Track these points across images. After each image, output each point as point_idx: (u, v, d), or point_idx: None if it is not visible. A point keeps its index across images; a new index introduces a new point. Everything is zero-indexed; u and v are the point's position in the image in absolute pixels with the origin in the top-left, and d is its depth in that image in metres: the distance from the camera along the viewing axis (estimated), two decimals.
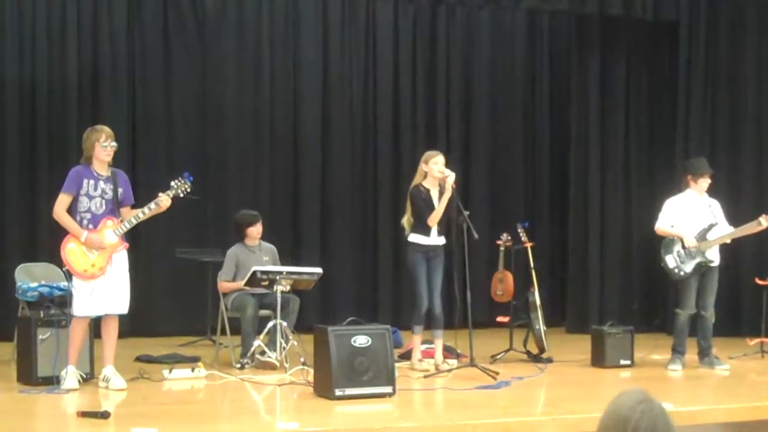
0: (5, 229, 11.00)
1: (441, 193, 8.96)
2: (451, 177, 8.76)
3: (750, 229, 9.29)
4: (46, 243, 10.25)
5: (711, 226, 9.25)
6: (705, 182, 9.37)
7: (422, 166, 9.07)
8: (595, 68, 12.73)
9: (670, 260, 9.23)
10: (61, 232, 7.83)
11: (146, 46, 11.67)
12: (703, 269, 9.23)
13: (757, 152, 12.14)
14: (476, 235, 8.69)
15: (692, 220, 9.28)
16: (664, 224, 9.39)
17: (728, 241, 9.39)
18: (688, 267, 9.18)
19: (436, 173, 8.92)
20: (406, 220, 9.14)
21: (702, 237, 9.20)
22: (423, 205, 8.97)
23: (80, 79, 11.29)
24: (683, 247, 9.19)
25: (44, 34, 11.15)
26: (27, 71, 11.11)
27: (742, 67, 12.18)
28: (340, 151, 12.42)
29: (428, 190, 9.02)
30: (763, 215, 9.19)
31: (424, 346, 9.36)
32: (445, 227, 9.11)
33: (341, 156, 12.43)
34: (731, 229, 9.35)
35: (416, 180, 9.12)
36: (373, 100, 12.62)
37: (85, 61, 11.33)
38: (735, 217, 9.66)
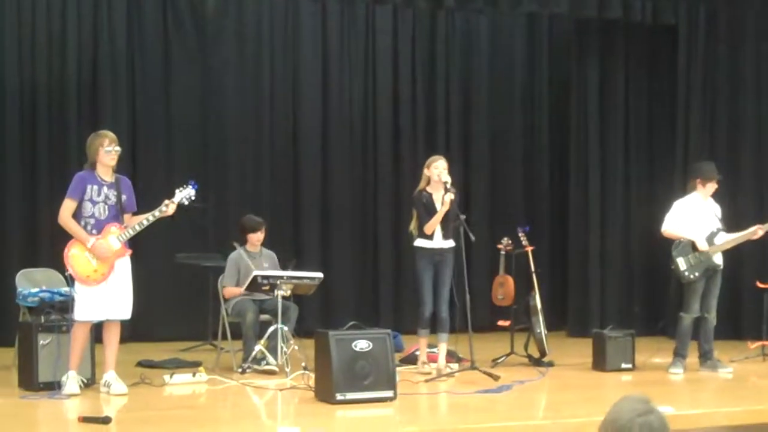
0: (6, 234, 10.98)
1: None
2: (449, 196, 8.75)
3: (745, 237, 9.32)
4: (47, 248, 10.26)
5: (718, 231, 9.27)
6: (712, 187, 9.39)
7: (425, 171, 9.05)
8: (594, 72, 12.75)
9: (682, 263, 9.22)
10: (62, 237, 7.82)
11: (146, 51, 11.67)
12: (710, 273, 9.25)
13: (756, 155, 12.16)
14: (473, 237, 8.68)
15: (699, 223, 9.29)
16: (672, 226, 9.38)
17: (728, 247, 9.40)
18: (698, 271, 9.19)
19: (435, 177, 8.91)
20: (413, 227, 9.11)
21: (710, 241, 9.22)
22: (423, 211, 8.96)
23: (80, 85, 11.29)
24: (694, 250, 9.20)
25: (44, 39, 11.14)
26: (27, 76, 11.10)
27: (741, 71, 12.20)
28: (340, 155, 12.43)
29: (431, 195, 8.99)
30: (758, 225, 9.24)
31: (431, 350, 9.39)
32: (452, 231, 9.05)
33: (341, 160, 12.43)
34: (728, 235, 9.36)
35: (420, 185, 9.09)
36: (373, 104, 12.63)
37: (85, 65, 11.32)
38: (735, 221, 9.69)
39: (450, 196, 8.74)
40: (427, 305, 8.94)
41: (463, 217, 8.78)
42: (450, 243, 9.01)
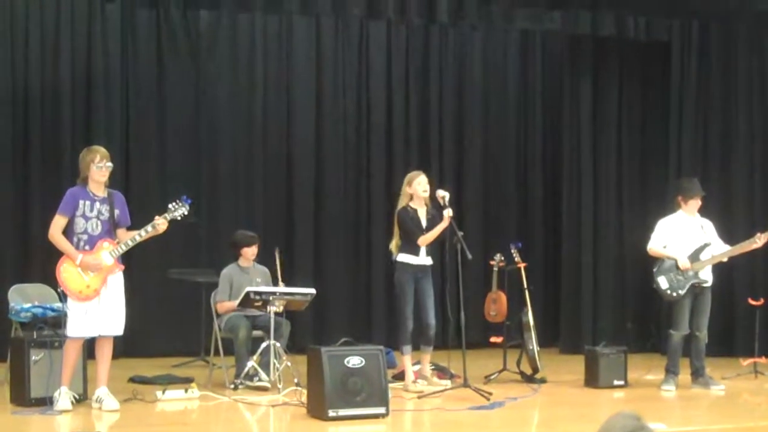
0: None
1: (429, 213, 9.00)
2: (447, 211, 8.77)
3: (746, 246, 9.29)
4: (40, 263, 10.22)
5: (703, 247, 9.25)
6: (696, 204, 9.38)
7: (406, 189, 9.13)
8: (587, 88, 12.76)
9: (663, 282, 9.23)
10: (54, 253, 7.81)
11: (139, 63, 11.67)
12: (696, 290, 9.25)
13: (749, 171, 12.17)
14: (470, 256, 8.67)
15: (684, 240, 9.29)
16: (656, 245, 9.39)
17: (725, 259, 9.38)
18: (682, 289, 9.18)
19: (420, 193, 8.98)
20: (394, 245, 9.15)
21: (695, 258, 9.21)
22: (412, 225, 9.00)
23: (73, 99, 11.25)
24: (677, 268, 9.20)
25: (37, 50, 11.08)
26: (19, 88, 11.05)
27: (734, 87, 12.23)
28: (333, 171, 12.42)
29: (415, 210, 9.07)
30: (759, 233, 9.21)
31: (415, 367, 9.38)
32: (434, 248, 9.12)
33: (334, 176, 12.43)
34: (727, 247, 9.35)
35: (402, 202, 9.15)
36: (366, 120, 12.63)
37: (78, 79, 11.27)
38: (727, 236, 9.67)
39: (449, 212, 8.77)
40: (410, 320, 9.06)
41: (460, 234, 8.78)
42: (430, 260, 9.15)
